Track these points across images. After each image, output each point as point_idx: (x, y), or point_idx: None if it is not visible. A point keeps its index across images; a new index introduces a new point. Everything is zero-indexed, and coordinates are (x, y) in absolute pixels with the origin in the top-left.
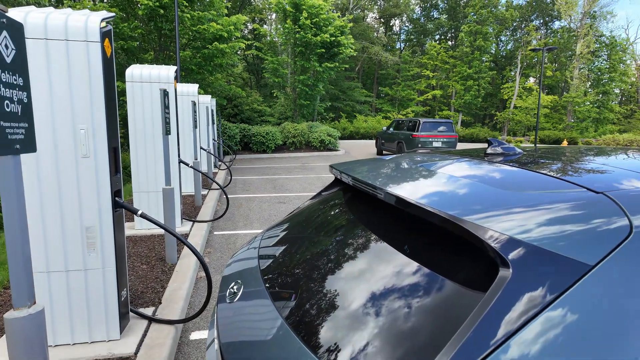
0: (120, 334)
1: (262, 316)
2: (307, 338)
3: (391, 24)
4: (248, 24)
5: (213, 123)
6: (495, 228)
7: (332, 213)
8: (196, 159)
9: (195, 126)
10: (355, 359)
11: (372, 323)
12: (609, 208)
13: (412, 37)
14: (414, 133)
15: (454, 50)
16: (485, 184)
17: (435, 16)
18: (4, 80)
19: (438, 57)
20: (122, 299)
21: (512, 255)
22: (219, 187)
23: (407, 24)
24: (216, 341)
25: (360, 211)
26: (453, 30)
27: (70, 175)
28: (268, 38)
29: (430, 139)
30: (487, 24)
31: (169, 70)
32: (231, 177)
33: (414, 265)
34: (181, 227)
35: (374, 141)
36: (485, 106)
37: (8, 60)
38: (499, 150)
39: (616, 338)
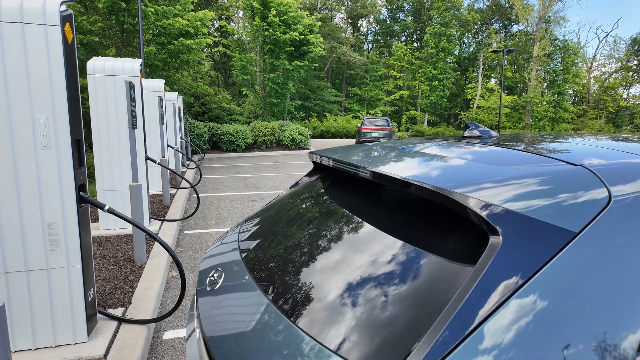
0: (88, 336)
1: (248, 301)
2: (298, 320)
3: (359, 25)
4: (215, 22)
5: (180, 121)
6: (484, 198)
7: (313, 200)
8: (163, 157)
9: (162, 122)
10: (352, 337)
11: (368, 301)
12: (589, 179)
13: (379, 38)
14: (360, 126)
15: (419, 52)
16: (469, 161)
17: (401, 18)
18: None
19: (404, 58)
20: (89, 299)
21: (501, 223)
22: (189, 186)
23: (374, 25)
24: (197, 331)
25: (342, 196)
26: (418, 32)
27: (29, 168)
28: (235, 36)
29: (370, 131)
30: (450, 26)
31: (134, 63)
32: (201, 175)
33: (402, 245)
34: (149, 226)
35: (344, 140)
36: (450, 106)
37: None
38: (476, 132)
39: (602, 295)
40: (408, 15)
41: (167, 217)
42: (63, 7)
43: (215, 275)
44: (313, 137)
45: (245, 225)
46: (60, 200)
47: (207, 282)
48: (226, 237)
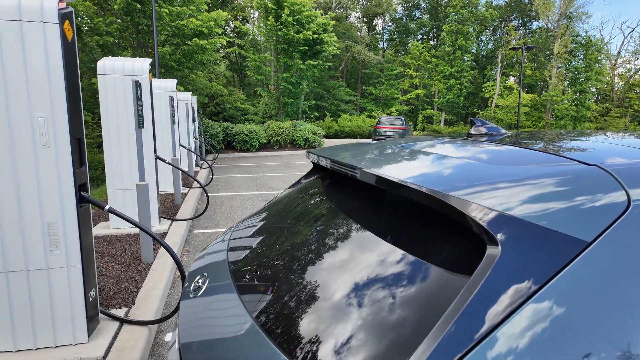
0: (89, 336)
1: (227, 312)
2: (277, 336)
3: (374, 23)
4: (230, 22)
5: (194, 121)
6: (482, 203)
7: (310, 201)
8: (175, 156)
9: (173, 122)
10: (336, 354)
11: (353, 315)
12: (604, 180)
13: (394, 36)
14: (375, 125)
15: (436, 50)
16: (470, 161)
17: (417, 16)
18: None
19: (420, 57)
20: (90, 299)
21: (500, 232)
22: (199, 186)
23: (389, 24)
24: (175, 338)
25: (339, 197)
26: (435, 30)
27: (28, 167)
28: (250, 36)
29: (386, 130)
30: (467, 23)
31: (143, 63)
32: (212, 175)
33: (397, 251)
34: (159, 225)
35: (358, 140)
36: (468, 105)
37: None
38: (482, 130)
39: (617, 316)
40: (424, 13)
41: (177, 217)
42: (62, 5)
43: (200, 280)
44: (327, 136)
45: (238, 228)
46: (60, 199)
47: (192, 287)
48: (222, 237)
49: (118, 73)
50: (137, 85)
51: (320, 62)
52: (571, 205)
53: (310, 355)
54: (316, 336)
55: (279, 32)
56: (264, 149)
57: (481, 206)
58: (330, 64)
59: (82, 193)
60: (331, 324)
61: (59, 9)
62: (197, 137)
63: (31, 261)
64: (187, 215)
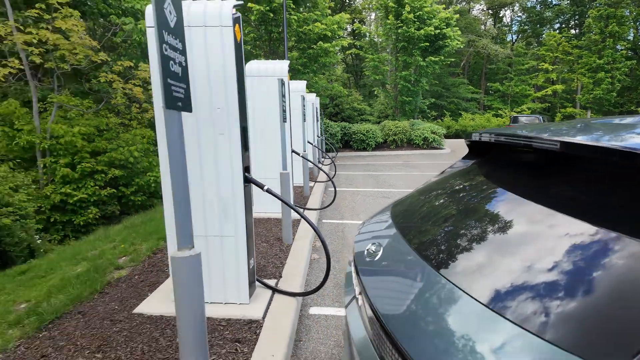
0: (249, 299)
1: (412, 271)
2: (474, 293)
3: (501, 15)
4: (348, 26)
5: (317, 120)
6: None
7: (472, 183)
8: (304, 151)
9: (303, 120)
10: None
11: (564, 291)
12: None
13: (526, 27)
14: (509, 124)
15: (578, 39)
16: None
17: (554, 2)
18: (169, 42)
19: (558, 48)
20: (250, 267)
21: None
22: (325, 179)
23: (519, 14)
24: (361, 300)
25: (509, 179)
26: (577, 17)
27: (209, 150)
28: (367, 38)
29: None
30: (622, 6)
31: (283, 64)
32: (335, 170)
33: (605, 232)
34: (292, 214)
35: None
36: (622, 102)
37: (172, 25)
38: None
39: None
40: None
41: (307, 206)
42: (233, 10)
43: (372, 247)
44: (447, 136)
45: (397, 207)
46: (232, 178)
47: (365, 253)
48: (376, 217)
49: (262, 74)
50: (282, 83)
51: (442, 57)
52: None
53: (542, 322)
54: (512, 289)
55: (399, 30)
56: (380, 148)
57: None
58: (452, 60)
59: (246, 174)
60: (524, 284)
61: (232, 14)
62: (319, 135)
63: (209, 228)
64: (315, 206)
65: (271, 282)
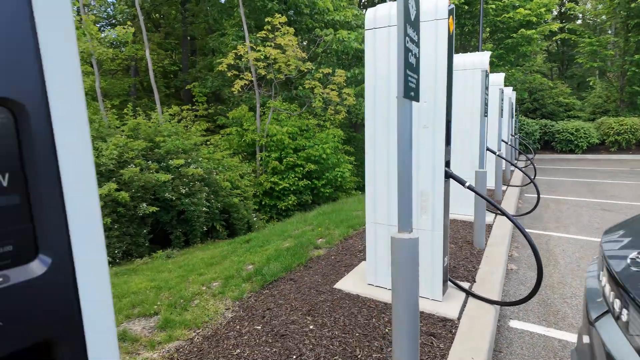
0: (442, 296)
1: None
2: None
3: None
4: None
5: (512, 117)
6: None
7: None
8: (499, 150)
9: (501, 115)
10: None
11: None
12: None
13: None
14: None
15: None
16: None
17: None
18: (409, 35)
19: None
20: (445, 264)
21: None
22: (519, 184)
23: None
24: (625, 313)
25: None
26: None
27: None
28: (579, 20)
29: None
30: None
31: (483, 56)
32: (535, 173)
33: None
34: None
35: None
36: None
37: (412, 17)
38: None
39: None
40: None
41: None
42: (448, 2)
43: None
44: None
45: None
46: (432, 171)
47: (629, 262)
48: (626, 225)
49: (461, 67)
50: (486, 75)
51: None
52: None
53: None
54: None
55: (632, 5)
56: (594, 150)
57: None
58: None
59: (446, 169)
60: None
61: (447, 6)
62: (513, 134)
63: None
64: (509, 212)
65: (464, 285)
